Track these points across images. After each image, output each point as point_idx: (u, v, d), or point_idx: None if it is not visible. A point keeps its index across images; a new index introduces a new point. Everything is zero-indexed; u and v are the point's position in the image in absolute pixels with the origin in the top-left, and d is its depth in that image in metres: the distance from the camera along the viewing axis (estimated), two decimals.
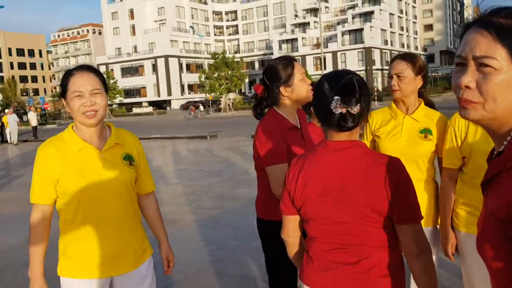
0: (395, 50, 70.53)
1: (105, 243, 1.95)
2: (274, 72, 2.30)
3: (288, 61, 2.32)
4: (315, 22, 70.86)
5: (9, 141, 21.55)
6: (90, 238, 1.94)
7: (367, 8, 68.29)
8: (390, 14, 70.34)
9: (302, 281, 1.69)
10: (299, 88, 2.30)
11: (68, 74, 1.95)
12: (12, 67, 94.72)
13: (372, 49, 62.47)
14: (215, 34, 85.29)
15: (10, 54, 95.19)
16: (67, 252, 1.97)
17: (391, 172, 1.49)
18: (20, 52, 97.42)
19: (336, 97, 1.48)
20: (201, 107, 48.88)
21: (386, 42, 68.14)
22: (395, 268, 1.55)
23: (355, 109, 1.48)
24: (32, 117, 23.47)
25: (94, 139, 1.97)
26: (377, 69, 62.94)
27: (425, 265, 1.53)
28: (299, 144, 2.31)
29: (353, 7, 71.37)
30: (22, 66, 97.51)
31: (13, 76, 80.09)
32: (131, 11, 78.29)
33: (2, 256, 5.09)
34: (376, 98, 43.93)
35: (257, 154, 2.31)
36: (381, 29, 64.87)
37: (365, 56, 62.12)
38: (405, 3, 78.13)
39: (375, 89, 55.07)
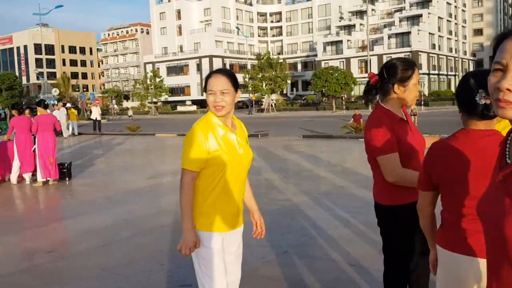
0: (442, 55, 68.82)
1: (233, 205, 2.47)
2: (395, 69, 2.56)
3: (411, 65, 2.57)
4: (360, 24, 70.14)
5: (64, 135, 22.14)
6: (225, 201, 2.44)
7: (415, 11, 66.97)
8: (439, 17, 68.67)
9: (439, 245, 1.98)
10: (411, 91, 2.55)
11: (208, 75, 2.47)
12: (64, 64, 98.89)
13: (419, 53, 61.21)
14: (259, 35, 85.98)
15: (63, 51, 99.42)
16: (206, 212, 2.42)
17: None
18: (72, 49, 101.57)
19: (480, 90, 1.76)
20: None
21: (433, 46, 66.58)
22: None
23: None
24: (95, 112, 24.85)
25: (229, 124, 2.48)
26: (423, 74, 61.64)
27: None
28: (408, 135, 2.56)
29: (400, 10, 70.15)
30: (73, 63, 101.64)
31: (64, 72, 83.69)
32: (178, 12, 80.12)
33: (100, 234, 5.61)
34: (422, 103, 43.14)
35: (368, 146, 2.59)
36: (429, 33, 63.52)
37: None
38: (455, 6, 75.95)
39: (422, 93, 54.02)
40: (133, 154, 14.82)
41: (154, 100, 62.14)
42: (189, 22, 79.47)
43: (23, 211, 7.46)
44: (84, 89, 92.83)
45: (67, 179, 9.55)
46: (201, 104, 72.82)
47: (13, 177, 9.46)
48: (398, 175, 2.47)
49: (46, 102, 10.13)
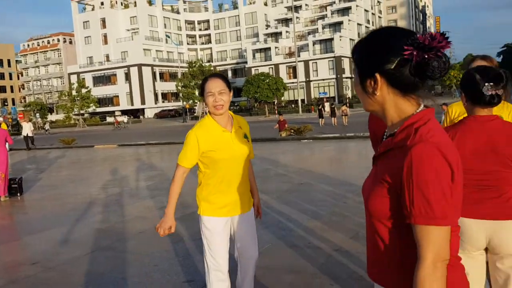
0: None
1: (232, 194, 2.84)
2: None
3: None
4: (286, 32, 72.29)
5: None
6: (225, 190, 2.82)
7: (336, 18, 70.20)
8: (358, 24, 72.59)
9: None
10: None
11: (204, 80, 2.82)
12: None
13: (342, 58, 64.18)
14: (188, 43, 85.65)
15: None
16: (208, 199, 2.83)
17: None
18: None
19: (487, 83, 2.19)
20: (124, 119, 53.28)
21: None
22: None
23: (500, 91, 2.22)
24: (26, 127, 23.18)
25: (225, 123, 2.82)
26: (347, 77, 64.72)
27: None
28: None
29: (323, 17, 73.29)
30: None
31: None
32: (103, 20, 77.76)
33: (80, 244, 5.59)
34: (348, 105, 45.31)
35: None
36: (350, 39, 66.94)
37: (336, 65, 63.85)
38: (372, 13, 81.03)
39: (346, 96, 56.83)
40: (77, 166, 14.40)
41: (82, 111, 59.76)
42: (115, 30, 77.37)
43: None
44: (5, 104, 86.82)
45: (18, 194, 9.20)
46: (132, 114, 71.03)
47: None
48: None
49: None
